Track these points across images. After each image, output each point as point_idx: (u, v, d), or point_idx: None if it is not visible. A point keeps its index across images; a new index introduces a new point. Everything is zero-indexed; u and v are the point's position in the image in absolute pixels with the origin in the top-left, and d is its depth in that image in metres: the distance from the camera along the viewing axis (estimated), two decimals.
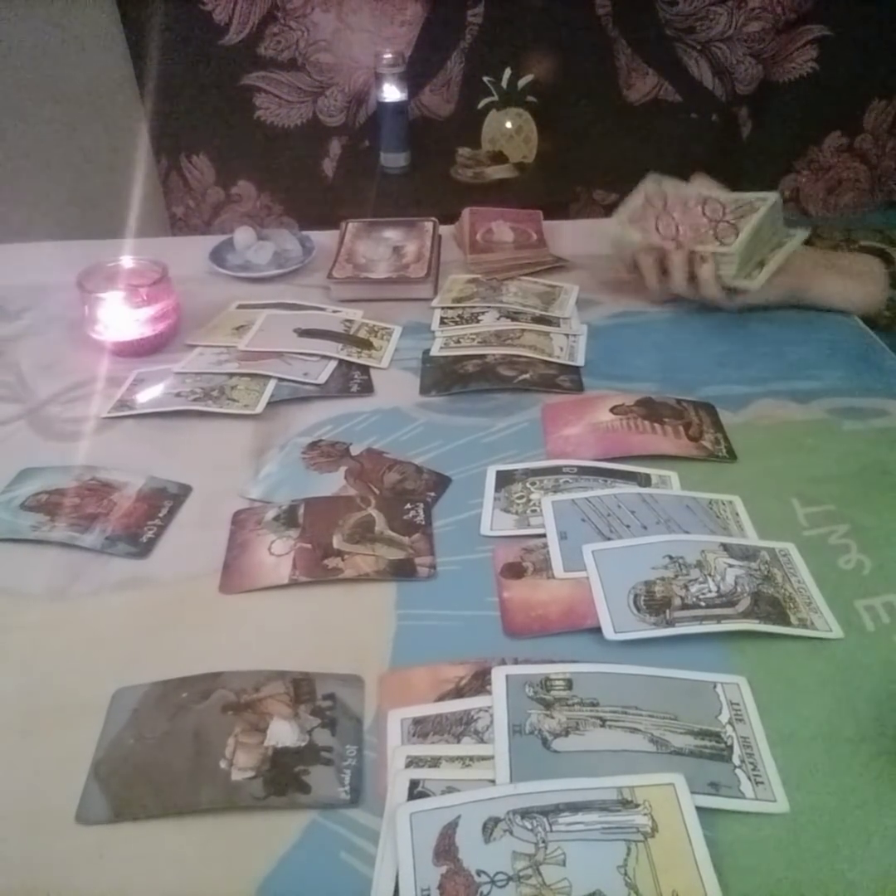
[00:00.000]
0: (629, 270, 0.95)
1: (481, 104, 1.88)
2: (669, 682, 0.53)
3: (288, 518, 0.67)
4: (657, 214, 0.92)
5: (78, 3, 1.79)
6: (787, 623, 0.56)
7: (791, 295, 0.91)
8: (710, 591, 0.58)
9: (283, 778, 0.48)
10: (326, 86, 1.94)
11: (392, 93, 1.80)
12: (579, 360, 0.86)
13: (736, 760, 0.49)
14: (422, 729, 0.51)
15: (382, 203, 1.75)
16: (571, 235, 1.11)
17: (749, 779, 0.48)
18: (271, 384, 0.83)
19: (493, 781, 0.47)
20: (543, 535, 0.64)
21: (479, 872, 0.43)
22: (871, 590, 0.60)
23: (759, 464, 0.72)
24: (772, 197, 0.88)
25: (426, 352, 0.89)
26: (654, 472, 0.71)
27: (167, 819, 0.47)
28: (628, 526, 0.64)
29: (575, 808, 0.45)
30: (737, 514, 0.66)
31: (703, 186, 0.94)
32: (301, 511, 0.67)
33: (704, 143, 2.01)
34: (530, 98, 1.85)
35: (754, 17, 1.87)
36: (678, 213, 0.91)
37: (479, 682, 0.53)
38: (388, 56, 1.77)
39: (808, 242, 0.94)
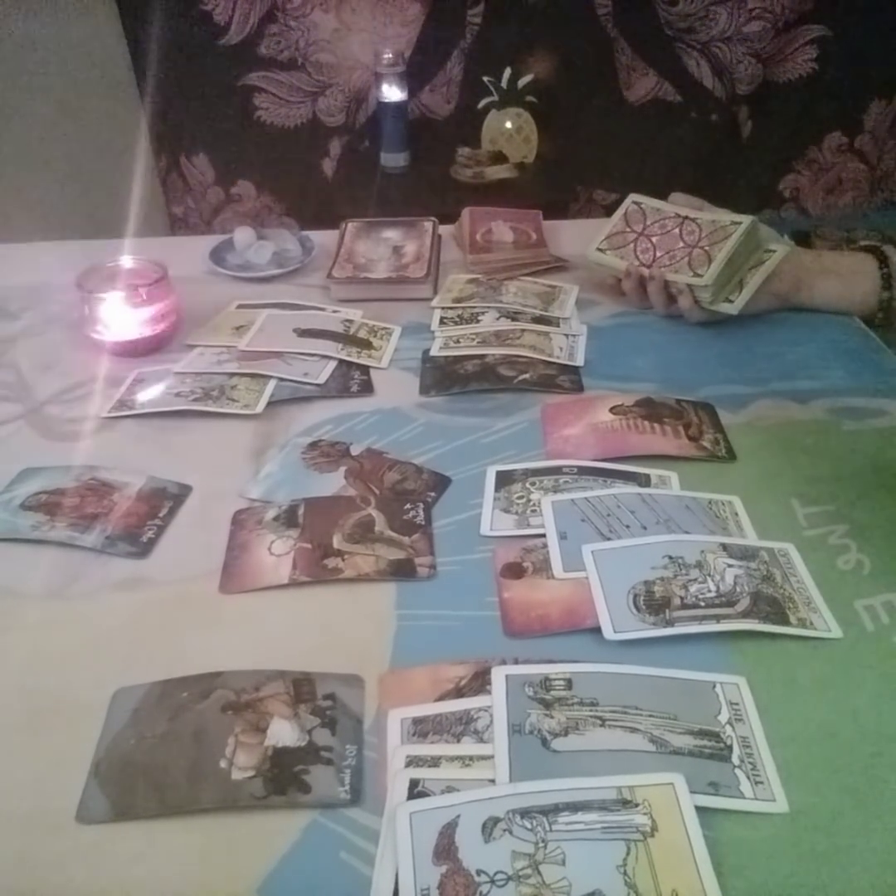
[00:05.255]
0: (615, 293, 0.97)
1: (481, 104, 1.88)
2: (669, 682, 0.53)
3: (288, 518, 0.67)
4: (636, 238, 0.93)
5: (78, 3, 1.79)
6: (787, 623, 0.56)
7: (779, 303, 0.91)
8: (709, 591, 0.58)
9: (284, 777, 0.48)
10: (326, 86, 1.94)
11: (392, 93, 1.80)
12: (579, 361, 0.86)
13: (735, 760, 0.49)
14: (422, 729, 0.51)
15: (382, 203, 1.75)
16: (571, 235, 1.10)
17: (748, 778, 0.48)
18: (271, 384, 0.83)
19: (492, 781, 0.47)
20: (543, 536, 0.64)
21: (478, 872, 0.43)
22: (870, 590, 0.60)
23: (759, 464, 0.72)
24: (745, 222, 0.88)
25: (426, 352, 0.89)
26: (653, 472, 0.71)
27: (167, 818, 0.47)
28: (628, 526, 0.64)
29: (574, 807, 0.45)
30: (736, 514, 0.67)
31: (681, 204, 0.94)
32: (301, 511, 0.67)
33: (704, 143, 2.01)
34: (530, 98, 1.85)
35: (754, 17, 1.87)
36: (656, 236, 0.92)
37: (479, 682, 0.53)
38: (388, 56, 1.77)
39: (807, 243, 0.94)
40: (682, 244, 0.90)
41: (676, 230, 0.92)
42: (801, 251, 0.93)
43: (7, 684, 0.55)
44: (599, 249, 0.95)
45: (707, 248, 0.88)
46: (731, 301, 0.87)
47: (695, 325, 0.91)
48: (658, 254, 0.91)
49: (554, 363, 0.85)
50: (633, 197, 0.98)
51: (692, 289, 0.88)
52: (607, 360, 0.87)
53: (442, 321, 0.94)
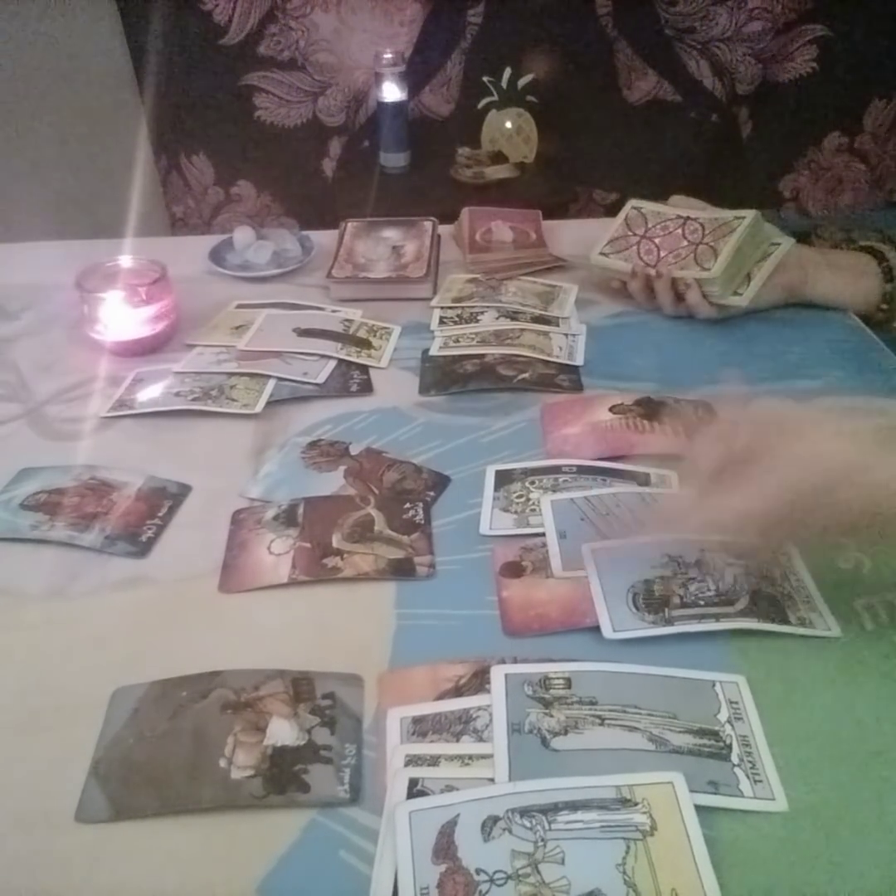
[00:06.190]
0: (617, 295, 0.96)
1: (481, 104, 1.88)
2: (668, 680, 0.53)
3: (287, 517, 0.67)
4: (638, 241, 0.93)
5: (78, 3, 1.79)
6: (786, 621, 0.56)
7: (787, 294, 0.91)
8: (708, 590, 0.58)
9: (283, 777, 0.48)
10: (326, 86, 1.94)
11: (392, 93, 1.80)
12: (578, 360, 0.86)
13: (735, 759, 0.49)
14: (421, 728, 0.51)
15: (382, 203, 1.75)
16: (571, 235, 1.11)
17: (748, 777, 0.48)
18: (271, 384, 0.83)
19: (492, 780, 0.47)
20: (542, 535, 0.64)
21: (478, 871, 0.43)
22: (869, 589, 0.60)
23: None
24: (750, 216, 0.88)
25: (425, 351, 0.89)
26: (653, 471, 0.71)
27: (167, 818, 0.47)
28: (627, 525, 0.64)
29: (574, 806, 0.45)
30: None
31: (681, 206, 0.94)
32: (300, 510, 0.67)
33: (704, 143, 2.01)
34: (530, 98, 1.85)
35: (754, 17, 1.87)
36: (659, 238, 0.92)
37: (479, 681, 0.53)
38: (388, 56, 1.77)
39: (807, 242, 0.94)
40: (686, 243, 0.90)
41: (679, 230, 0.91)
42: (804, 247, 0.94)
43: (7, 684, 0.55)
44: (602, 254, 0.94)
45: (712, 243, 0.88)
46: (739, 294, 0.88)
47: (698, 323, 0.91)
48: (662, 254, 0.91)
49: (553, 362, 0.85)
50: (632, 202, 0.97)
51: (700, 283, 0.87)
52: (607, 360, 0.87)
53: (441, 321, 0.94)
